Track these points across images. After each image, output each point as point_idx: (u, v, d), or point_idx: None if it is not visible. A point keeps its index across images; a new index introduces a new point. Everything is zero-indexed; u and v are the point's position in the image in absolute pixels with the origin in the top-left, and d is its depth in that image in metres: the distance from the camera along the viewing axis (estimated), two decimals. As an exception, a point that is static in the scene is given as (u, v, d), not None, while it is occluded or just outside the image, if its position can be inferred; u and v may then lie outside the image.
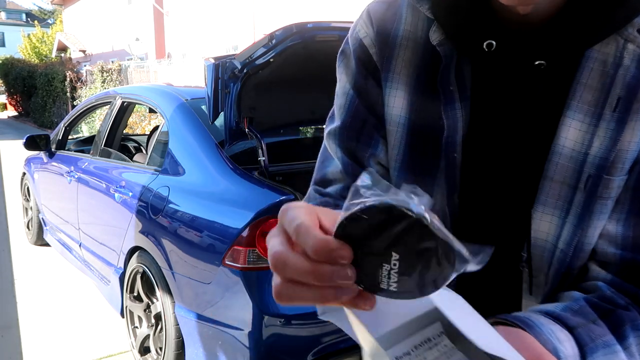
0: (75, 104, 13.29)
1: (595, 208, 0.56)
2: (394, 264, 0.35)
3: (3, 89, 23.36)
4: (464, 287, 0.57)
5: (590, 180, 0.55)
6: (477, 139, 0.61)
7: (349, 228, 0.35)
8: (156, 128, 3.37)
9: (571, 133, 0.56)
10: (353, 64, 0.68)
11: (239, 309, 1.98)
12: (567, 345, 0.47)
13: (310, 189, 0.73)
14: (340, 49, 0.71)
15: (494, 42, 0.57)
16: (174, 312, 2.30)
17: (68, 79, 14.46)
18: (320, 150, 0.74)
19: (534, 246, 0.59)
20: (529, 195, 0.59)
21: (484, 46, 0.57)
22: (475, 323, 0.41)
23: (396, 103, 0.65)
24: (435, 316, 0.41)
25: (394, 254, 0.35)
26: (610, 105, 0.54)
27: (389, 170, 0.68)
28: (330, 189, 0.70)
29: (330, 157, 0.71)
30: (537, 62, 0.56)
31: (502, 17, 0.57)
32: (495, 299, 0.61)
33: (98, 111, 7.52)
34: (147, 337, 2.60)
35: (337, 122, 0.70)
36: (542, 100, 0.58)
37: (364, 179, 0.37)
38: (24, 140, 4.06)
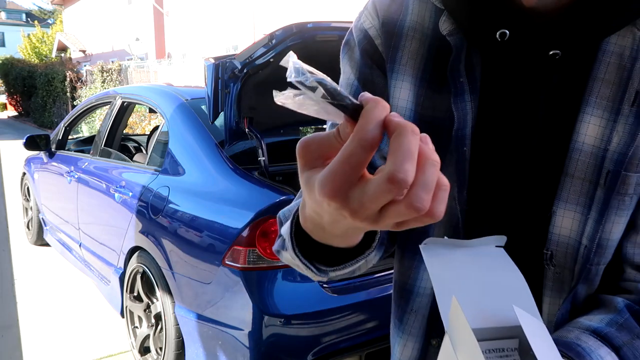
0: (75, 104, 13.29)
1: (613, 204, 0.55)
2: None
3: (3, 89, 23.36)
4: None
5: (609, 176, 0.54)
6: (487, 132, 0.60)
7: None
8: (156, 128, 3.37)
9: (590, 129, 0.55)
10: (358, 54, 0.67)
11: (239, 309, 1.98)
12: None
13: None
14: (344, 39, 0.69)
15: (507, 32, 0.55)
16: (174, 312, 2.30)
17: (68, 79, 14.47)
18: None
19: (557, 243, 0.58)
20: (546, 192, 0.58)
21: (497, 36, 0.55)
22: (549, 350, 0.43)
23: (402, 95, 0.63)
24: (516, 333, 0.44)
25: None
26: (629, 100, 0.53)
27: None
28: None
29: None
30: (552, 52, 0.54)
31: (515, 6, 0.55)
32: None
33: (98, 111, 7.52)
34: (147, 337, 2.60)
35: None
36: (558, 93, 0.56)
37: None
38: (24, 140, 4.06)
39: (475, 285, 0.46)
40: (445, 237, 0.49)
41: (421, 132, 0.38)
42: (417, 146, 0.32)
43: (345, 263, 0.48)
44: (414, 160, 0.32)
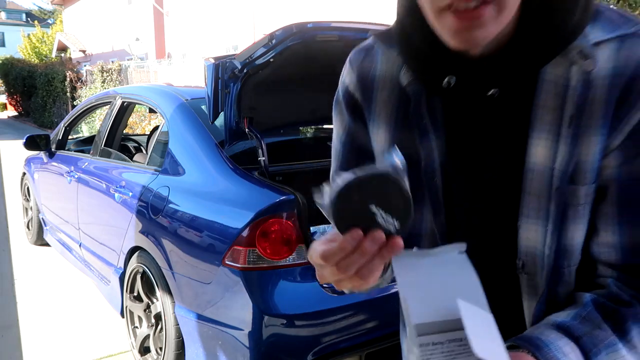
0: (75, 104, 13.28)
1: (569, 214, 0.62)
2: (380, 210, 0.50)
3: (3, 89, 23.35)
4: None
5: (558, 190, 0.62)
6: (456, 163, 0.69)
7: (341, 213, 0.50)
8: (156, 128, 3.37)
9: (539, 151, 0.62)
10: (344, 109, 0.77)
11: (239, 309, 1.98)
12: (572, 356, 0.56)
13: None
14: (335, 97, 0.79)
15: (453, 79, 0.63)
16: (174, 312, 2.30)
17: (68, 79, 14.45)
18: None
19: (526, 253, 0.66)
20: (512, 209, 0.65)
21: (444, 83, 0.64)
22: (489, 339, 0.49)
23: (379, 140, 0.73)
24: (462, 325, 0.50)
25: (373, 206, 0.50)
26: (566, 123, 0.60)
27: None
28: None
29: None
30: (490, 92, 0.63)
31: (461, 54, 0.62)
32: (498, 304, 0.64)
33: (98, 111, 7.52)
34: (147, 337, 2.60)
35: (336, 165, 0.81)
36: (507, 123, 0.64)
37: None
38: (24, 140, 4.06)
39: (434, 287, 0.54)
40: (415, 249, 0.56)
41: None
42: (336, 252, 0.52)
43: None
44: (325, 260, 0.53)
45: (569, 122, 0.60)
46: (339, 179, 0.50)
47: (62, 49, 25.88)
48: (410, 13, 0.64)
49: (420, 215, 0.71)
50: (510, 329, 0.63)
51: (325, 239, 0.55)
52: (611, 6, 0.62)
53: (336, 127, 0.81)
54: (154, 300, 2.51)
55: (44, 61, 23.93)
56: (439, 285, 0.54)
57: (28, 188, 4.84)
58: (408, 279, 0.54)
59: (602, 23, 0.60)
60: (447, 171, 0.69)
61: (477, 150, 0.67)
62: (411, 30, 0.65)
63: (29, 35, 29.23)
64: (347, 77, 0.76)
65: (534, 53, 0.60)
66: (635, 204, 0.60)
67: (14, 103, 21.65)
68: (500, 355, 0.47)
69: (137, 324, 2.70)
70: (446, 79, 0.63)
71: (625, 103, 0.57)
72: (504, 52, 0.61)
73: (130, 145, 4.25)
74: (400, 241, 0.51)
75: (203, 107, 2.67)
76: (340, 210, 0.50)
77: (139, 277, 2.63)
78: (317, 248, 0.54)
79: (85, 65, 17.51)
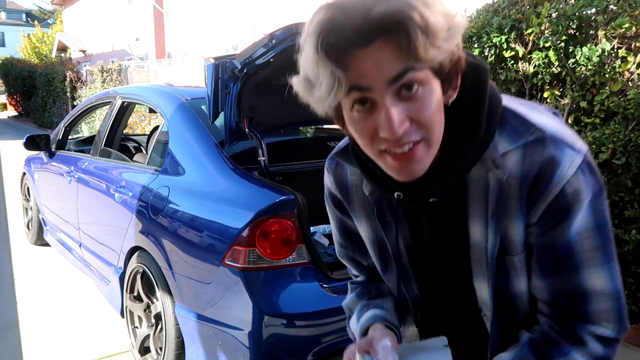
0: (75, 104, 13.28)
1: (511, 274, 0.80)
2: None
3: (3, 89, 23.34)
4: (452, 334, 0.89)
5: (492, 261, 0.79)
6: (419, 245, 0.90)
7: None
8: (156, 128, 3.37)
9: (477, 232, 0.80)
10: (332, 205, 0.98)
11: (239, 309, 1.98)
12: None
13: (349, 283, 1.10)
14: (324, 194, 0.99)
15: (400, 194, 0.79)
16: (174, 312, 2.30)
17: (68, 79, 14.43)
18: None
19: (481, 301, 0.85)
20: (467, 272, 0.84)
21: (395, 196, 0.80)
22: None
23: (362, 229, 0.94)
24: None
25: None
26: (490, 214, 0.77)
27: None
28: (358, 279, 1.08)
29: (349, 267, 1.09)
30: (430, 200, 0.80)
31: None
32: (471, 338, 0.91)
33: (98, 111, 7.52)
34: (147, 337, 2.60)
35: (338, 246, 1.05)
36: (452, 213, 0.82)
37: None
38: (24, 140, 4.06)
39: None
40: (405, 342, 0.85)
41: (379, 249, 0.94)
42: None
43: None
44: None
45: (492, 215, 0.76)
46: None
47: (62, 49, 25.87)
48: (357, 145, 0.77)
49: (395, 283, 0.95)
50: (483, 354, 0.87)
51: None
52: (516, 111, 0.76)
53: (330, 217, 1.02)
54: (154, 300, 2.51)
55: (44, 61, 23.92)
56: None
57: (28, 188, 4.84)
58: None
59: (507, 133, 0.74)
60: (413, 251, 0.90)
61: (433, 235, 0.87)
62: (363, 156, 0.78)
63: (29, 35, 29.22)
64: (327, 181, 0.95)
65: (457, 167, 0.75)
66: (547, 262, 0.77)
67: (14, 103, 21.64)
68: None
69: (137, 324, 2.70)
70: (395, 194, 0.79)
71: (535, 194, 0.73)
72: (436, 169, 0.74)
73: (130, 145, 4.25)
74: None
75: (203, 107, 2.67)
76: None
77: (139, 277, 2.62)
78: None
79: (85, 65, 17.50)
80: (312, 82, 0.67)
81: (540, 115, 0.75)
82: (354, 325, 0.99)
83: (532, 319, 0.83)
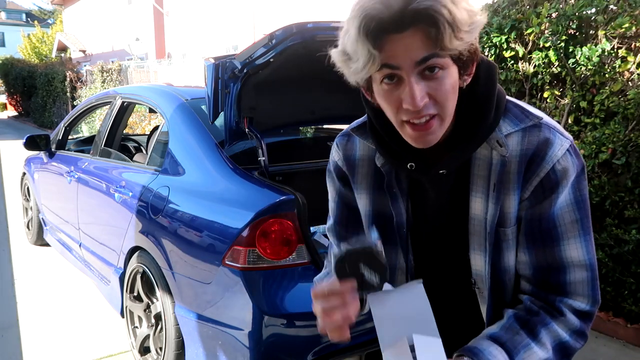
0: (75, 104, 13.28)
1: (503, 246, 0.89)
2: (366, 269, 0.78)
3: (3, 89, 23.34)
4: (446, 307, 0.94)
5: (490, 233, 0.89)
6: (419, 217, 0.97)
7: (341, 269, 0.79)
8: (156, 128, 3.37)
9: (477, 205, 0.90)
10: (335, 178, 1.05)
11: (239, 309, 1.98)
12: (500, 357, 0.82)
13: (326, 262, 1.16)
14: (327, 169, 1.07)
15: (413, 164, 0.89)
16: (174, 312, 2.30)
17: (68, 79, 14.43)
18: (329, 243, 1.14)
19: (475, 274, 0.93)
20: (464, 245, 0.93)
21: (408, 166, 0.90)
22: (436, 357, 0.77)
23: (362, 202, 1.02)
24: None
25: (362, 265, 0.78)
26: (492, 188, 0.87)
27: None
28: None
29: (335, 245, 1.12)
30: (440, 171, 0.88)
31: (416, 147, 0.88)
32: (464, 311, 0.99)
33: (98, 111, 7.52)
34: (147, 337, 2.60)
35: (331, 220, 1.10)
36: (456, 186, 0.92)
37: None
38: (24, 140, 4.06)
39: (398, 317, 0.81)
40: (386, 285, 0.83)
41: (376, 223, 0.99)
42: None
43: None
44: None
45: (493, 188, 0.87)
46: (343, 247, 0.79)
47: (62, 49, 25.87)
48: (377, 117, 0.89)
49: (395, 255, 1.00)
50: (473, 328, 0.93)
51: (327, 282, 0.81)
52: (518, 103, 0.90)
53: (330, 191, 1.09)
54: (154, 300, 2.51)
55: (44, 61, 23.91)
56: (400, 316, 0.81)
57: (28, 188, 4.84)
58: (378, 312, 0.82)
59: (509, 119, 0.87)
60: (413, 223, 0.97)
61: (435, 207, 0.95)
62: (381, 129, 0.91)
63: (29, 35, 29.22)
64: (335, 155, 1.05)
65: (467, 145, 0.86)
66: (534, 233, 0.87)
67: (14, 103, 21.64)
68: None
69: (137, 324, 2.70)
70: (408, 165, 0.89)
71: (529, 171, 0.85)
72: (448, 145, 0.86)
73: (130, 145, 4.25)
74: (357, 305, 0.82)
75: (203, 107, 2.67)
76: (340, 269, 0.78)
77: (139, 277, 2.62)
78: (317, 286, 0.82)
79: (85, 65, 17.49)
80: (350, 56, 0.78)
81: (536, 109, 0.90)
82: (322, 275, 1.11)
83: (515, 299, 0.93)
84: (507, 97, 0.90)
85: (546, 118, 0.87)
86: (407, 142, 0.85)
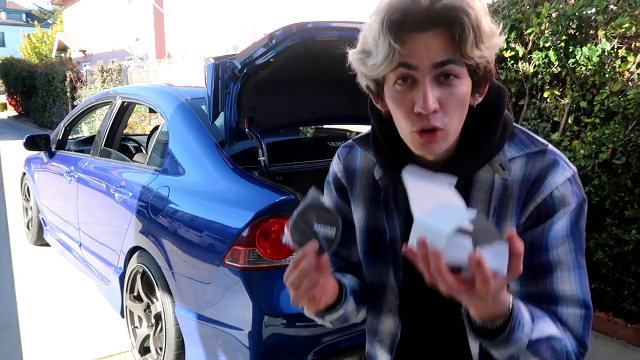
0: (75, 104, 13.27)
1: None
2: (320, 225, 0.76)
3: (3, 89, 23.35)
4: (434, 327, 0.95)
5: None
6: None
7: (296, 234, 0.76)
8: (156, 128, 3.37)
9: None
10: (333, 189, 1.04)
11: (239, 309, 1.98)
12: (526, 314, 0.76)
13: None
14: (326, 179, 1.07)
15: None
16: (174, 312, 2.30)
17: (68, 79, 14.43)
18: None
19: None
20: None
21: None
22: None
23: (357, 215, 1.00)
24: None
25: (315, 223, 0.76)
26: (491, 212, 0.86)
27: (360, 263, 1.02)
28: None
29: None
30: None
31: (417, 159, 0.87)
32: (451, 341, 0.94)
33: (98, 111, 7.52)
34: (147, 337, 2.60)
35: None
36: None
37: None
38: (24, 140, 4.06)
39: (430, 194, 0.78)
40: (421, 168, 0.84)
41: (371, 237, 0.98)
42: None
43: (330, 310, 0.93)
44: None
45: (493, 212, 0.86)
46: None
47: (62, 49, 25.87)
48: (382, 127, 0.90)
49: (386, 272, 0.97)
50: (463, 349, 0.90)
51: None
52: (524, 129, 0.90)
53: (326, 201, 1.01)
54: (154, 300, 2.51)
55: (44, 61, 23.91)
56: (438, 200, 0.76)
57: (28, 188, 4.84)
58: (415, 187, 0.79)
59: (515, 143, 0.86)
60: (405, 240, 0.92)
61: None
62: (383, 140, 0.90)
63: (29, 35, 29.21)
64: (335, 166, 1.04)
65: (469, 164, 0.85)
66: (524, 263, 0.80)
67: (14, 103, 21.64)
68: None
69: (137, 324, 2.70)
70: None
71: (528, 197, 0.84)
72: (450, 163, 0.85)
73: (130, 145, 4.25)
74: (326, 259, 0.78)
75: (203, 107, 2.67)
76: (294, 233, 0.76)
77: (139, 277, 2.62)
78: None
79: (85, 65, 17.50)
80: (370, 52, 0.78)
81: (541, 138, 0.90)
82: None
83: None
84: (514, 124, 0.89)
85: (552, 146, 0.87)
86: (408, 156, 0.85)
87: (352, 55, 0.81)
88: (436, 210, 0.70)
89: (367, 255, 1.00)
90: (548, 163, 0.83)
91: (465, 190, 0.87)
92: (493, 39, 0.76)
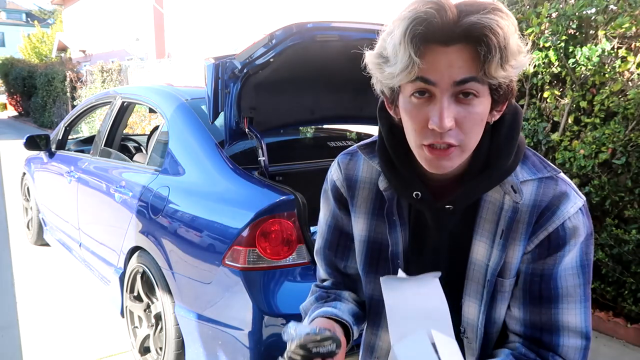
0: (75, 104, 13.27)
1: (498, 297, 0.86)
2: (319, 347, 0.76)
3: (3, 89, 23.34)
4: None
5: (489, 281, 0.84)
6: (415, 250, 0.91)
7: None
8: (156, 128, 3.37)
9: (479, 250, 0.85)
10: (331, 199, 0.99)
11: (239, 309, 1.98)
12: None
13: (312, 286, 1.07)
14: (323, 188, 1.01)
15: (419, 193, 0.84)
16: (174, 312, 2.30)
17: (68, 79, 14.42)
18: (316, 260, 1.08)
19: (467, 323, 0.89)
20: (458, 290, 0.88)
21: (413, 195, 0.85)
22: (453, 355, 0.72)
23: (358, 227, 0.95)
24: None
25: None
26: (499, 235, 0.83)
27: (357, 275, 0.99)
28: (325, 284, 1.05)
29: (322, 269, 1.07)
30: (447, 206, 0.84)
31: (426, 173, 0.82)
32: None
33: (98, 111, 7.52)
34: (147, 337, 2.60)
35: (321, 243, 1.03)
36: (458, 227, 0.87)
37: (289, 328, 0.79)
38: (24, 140, 4.06)
39: (411, 308, 0.77)
40: (400, 272, 0.82)
41: (371, 249, 0.93)
42: None
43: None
44: None
45: (501, 235, 0.83)
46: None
47: (62, 49, 25.86)
48: (391, 137, 0.86)
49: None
50: None
51: None
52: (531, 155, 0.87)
53: (323, 211, 1.02)
54: (154, 300, 2.51)
55: (44, 61, 23.92)
56: (414, 308, 0.77)
57: (28, 188, 4.84)
58: (391, 299, 0.78)
59: (528, 166, 0.84)
60: (408, 255, 0.92)
61: (434, 244, 0.90)
62: (392, 150, 0.86)
63: (29, 35, 29.21)
64: (334, 174, 0.98)
65: (480, 183, 0.82)
66: (532, 290, 0.84)
67: (14, 103, 21.64)
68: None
69: (137, 324, 2.70)
70: (414, 193, 0.84)
71: (538, 224, 0.81)
72: (459, 181, 0.83)
73: (130, 145, 4.25)
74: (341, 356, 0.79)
75: (203, 107, 2.67)
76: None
77: (139, 277, 2.62)
78: None
79: (85, 65, 17.49)
80: (389, 59, 0.73)
81: (552, 164, 0.88)
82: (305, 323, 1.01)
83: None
84: (527, 146, 0.87)
85: (563, 174, 0.85)
86: (417, 169, 0.82)
87: (369, 58, 0.77)
88: (412, 340, 0.74)
89: (367, 268, 0.96)
90: (560, 191, 0.81)
91: (471, 209, 0.85)
92: (519, 57, 0.72)
